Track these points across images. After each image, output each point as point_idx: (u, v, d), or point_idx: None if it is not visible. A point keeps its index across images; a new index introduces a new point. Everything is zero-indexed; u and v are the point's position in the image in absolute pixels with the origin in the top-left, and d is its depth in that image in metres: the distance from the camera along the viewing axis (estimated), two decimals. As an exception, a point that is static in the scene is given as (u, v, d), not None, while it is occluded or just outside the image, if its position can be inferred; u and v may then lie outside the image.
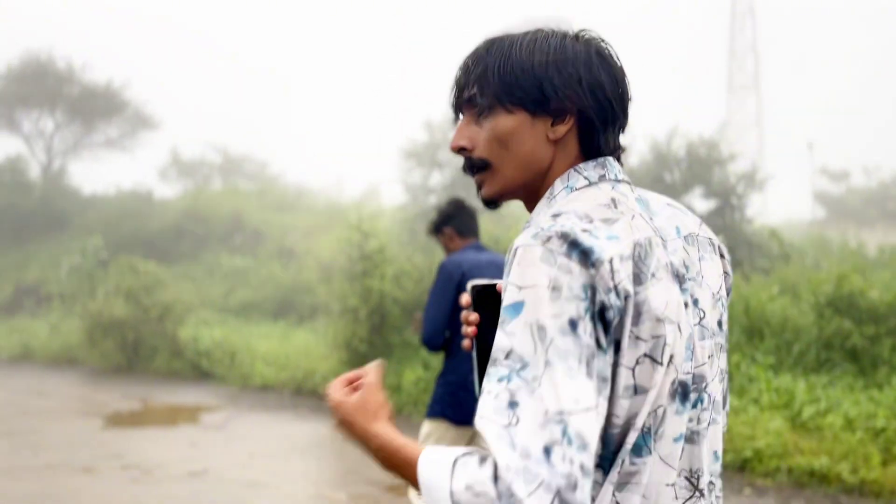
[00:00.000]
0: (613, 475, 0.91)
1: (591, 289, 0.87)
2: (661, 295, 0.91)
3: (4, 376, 12.48)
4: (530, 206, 1.06)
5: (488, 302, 1.06)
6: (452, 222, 3.22)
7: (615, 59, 1.03)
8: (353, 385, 1.05)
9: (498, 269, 3.02)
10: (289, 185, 27.47)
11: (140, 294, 12.72)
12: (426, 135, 19.71)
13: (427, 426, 3.05)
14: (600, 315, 0.87)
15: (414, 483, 0.91)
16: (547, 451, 0.80)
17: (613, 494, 0.91)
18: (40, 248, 23.63)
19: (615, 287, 0.88)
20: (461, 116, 1.07)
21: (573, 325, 0.85)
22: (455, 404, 2.96)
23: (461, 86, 1.04)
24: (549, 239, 0.89)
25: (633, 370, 0.90)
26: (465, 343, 1.09)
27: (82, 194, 26.48)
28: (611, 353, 0.89)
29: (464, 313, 1.09)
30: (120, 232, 20.69)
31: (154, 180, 32.86)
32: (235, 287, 18.38)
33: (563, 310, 0.86)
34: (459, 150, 1.06)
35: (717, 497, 1.00)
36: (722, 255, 1.07)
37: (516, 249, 0.91)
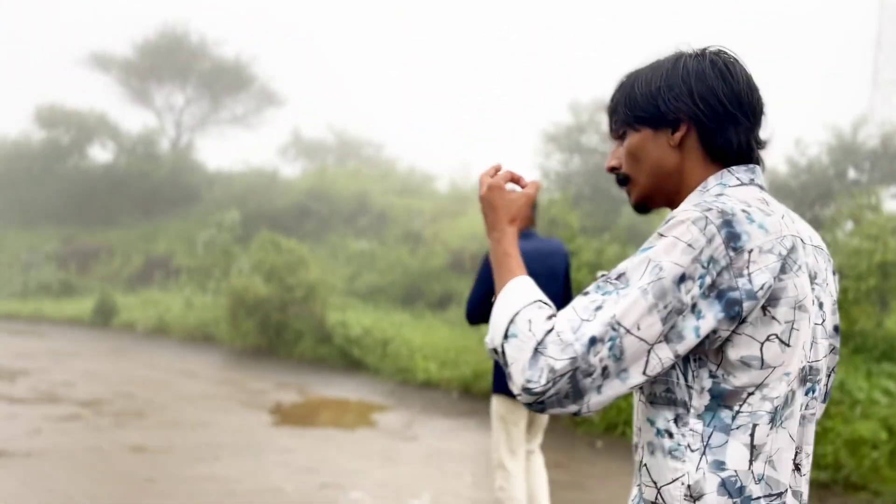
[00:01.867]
0: (744, 437, 1.01)
1: (720, 266, 0.98)
2: (801, 287, 1.02)
3: (144, 351, 12.02)
4: (674, 207, 1.17)
5: None
6: None
7: (734, 67, 1.15)
8: (510, 180, 1.24)
9: (555, 257, 3.27)
10: (410, 168, 26.53)
11: (283, 273, 11.96)
12: (570, 117, 18.34)
13: (494, 401, 3.26)
14: (713, 288, 0.98)
15: (497, 287, 1.12)
16: (592, 340, 0.97)
17: (749, 460, 1.01)
18: (169, 221, 23.72)
19: (749, 275, 0.99)
20: (616, 143, 1.25)
21: (682, 279, 0.98)
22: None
23: (610, 119, 1.25)
24: (709, 209, 1.02)
25: (762, 345, 1.01)
26: None
27: (208, 170, 26.51)
28: (703, 322, 0.98)
29: None
30: (246, 208, 20.28)
31: (275, 159, 32.77)
32: (361, 270, 17.57)
33: (683, 263, 0.98)
34: (611, 169, 1.24)
35: (806, 476, 1.10)
36: (834, 273, 1.18)
37: (678, 213, 1.05)
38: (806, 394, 1.08)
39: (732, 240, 0.99)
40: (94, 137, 24.80)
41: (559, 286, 3.23)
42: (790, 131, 13.86)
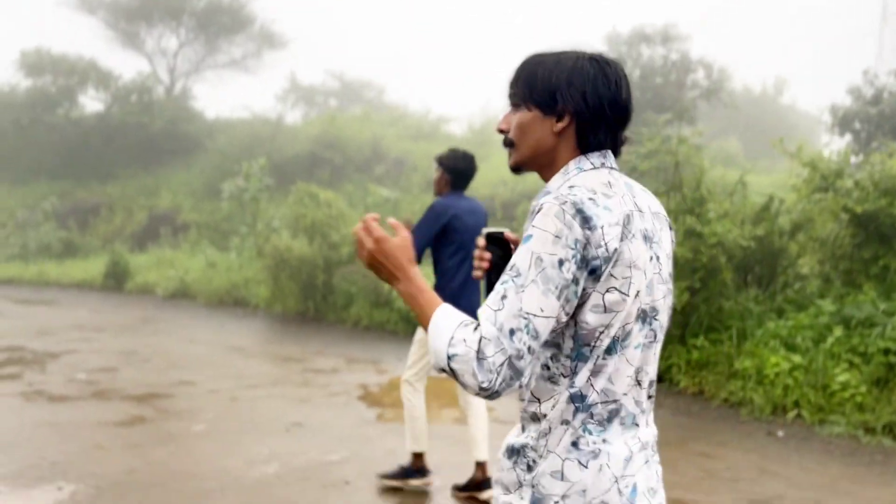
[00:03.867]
0: (590, 364, 1.30)
1: (583, 243, 1.24)
2: (634, 250, 1.29)
3: (173, 320, 10.84)
4: (544, 176, 1.42)
5: (496, 244, 1.45)
6: (454, 173, 3.87)
7: (620, 78, 1.38)
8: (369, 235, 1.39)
9: (476, 215, 3.83)
10: (424, 112, 24.98)
11: (326, 229, 10.73)
12: (610, 49, 16.91)
13: (419, 333, 3.84)
14: (584, 261, 1.25)
15: (421, 321, 1.31)
16: (511, 332, 1.21)
17: (589, 378, 1.30)
18: (170, 173, 22.21)
19: (605, 244, 1.25)
20: (510, 106, 1.45)
21: (561, 263, 1.23)
22: None
23: (510, 85, 1.44)
24: (564, 202, 1.26)
25: (604, 296, 1.27)
26: (477, 273, 1.44)
27: (206, 118, 24.87)
28: (580, 286, 1.26)
29: (478, 252, 1.44)
30: (253, 158, 18.79)
31: (274, 105, 31.09)
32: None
33: (558, 252, 1.23)
34: (501, 130, 1.45)
35: (652, 389, 1.39)
36: (671, 228, 1.45)
37: (542, 205, 1.27)
38: (645, 327, 1.33)
39: (586, 222, 1.25)
40: (84, 85, 23.04)
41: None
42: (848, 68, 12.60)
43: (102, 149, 22.60)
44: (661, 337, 1.38)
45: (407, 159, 19.17)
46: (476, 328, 1.23)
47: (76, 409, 5.48)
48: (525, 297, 1.21)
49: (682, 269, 6.34)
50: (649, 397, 1.38)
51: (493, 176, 16.85)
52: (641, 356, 1.33)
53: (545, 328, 1.22)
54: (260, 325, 10.18)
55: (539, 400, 1.32)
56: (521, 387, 1.33)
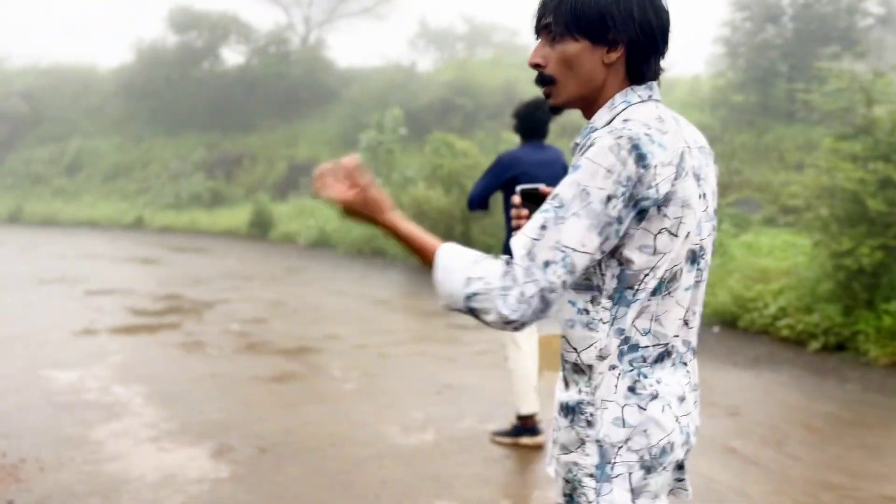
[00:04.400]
0: (636, 306, 1.23)
1: (634, 181, 1.16)
2: (687, 189, 1.21)
3: (316, 270, 11.05)
4: (587, 113, 1.32)
5: (533, 200, 1.41)
6: (523, 123, 3.79)
7: (664, 2, 1.29)
8: (349, 181, 1.31)
9: (551, 166, 3.66)
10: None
11: (462, 179, 10.50)
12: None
13: None
14: (632, 199, 1.17)
15: (424, 259, 1.25)
16: (546, 263, 1.15)
17: (635, 321, 1.24)
18: (307, 123, 22.71)
19: (656, 185, 1.18)
20: (539, 38, 1.33)
21: (608, 199, 1.16)
22: None
23: (541, 13, 1.31)
24: (620, 137, 1.17)
25: (655, 236, 1.20)
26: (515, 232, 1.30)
27: (339, 67, 25.10)
28: (624, 226, 1.18)
29: (514, 210, 1.42)
30: (387, 106, 18.71)
31: (405, 51, 30.97)
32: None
33: (607, 186, 1.16)
34: (535, 66, 1.32)
35: (694, 328, 1.34)
36: (715, 162, 1.37)
37: (596, 139, 1.20)
38: (693, 267, 1.28)
39: (640, 160, 1.16)
40: (226, 39, 23.80)
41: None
42: None
43: (244, 100, 23.40)
44: (706, 276, 1.35)
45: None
46: (494, 260, 1.19)
47: (232, 362, 5.57)
48: (565, 230, 1.16)
49: (874, 225, 5.58)
50: (694, 337, 1.36)
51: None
52: (691, 297, 1.29)
53: (582, 264, 1.18)
54: (399, 277, 10.16)
55: (577, 349, 1.27)
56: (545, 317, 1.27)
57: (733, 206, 9.78)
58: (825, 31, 14.13)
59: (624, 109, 1.25)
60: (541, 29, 1.31)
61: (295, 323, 7.10)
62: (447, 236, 10.38)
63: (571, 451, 1.27)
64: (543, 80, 1.30)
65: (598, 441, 1.24)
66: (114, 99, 25.28)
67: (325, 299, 8.49)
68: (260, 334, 6.52)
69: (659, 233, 1.19)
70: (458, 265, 1.19)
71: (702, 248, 1.28)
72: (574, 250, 1.15)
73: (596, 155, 1.16)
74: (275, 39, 23.69)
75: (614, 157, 1.15)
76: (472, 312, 1.18)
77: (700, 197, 1.25)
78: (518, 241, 1.17)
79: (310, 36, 26.40)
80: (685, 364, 1.31)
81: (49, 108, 26.44)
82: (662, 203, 1.18)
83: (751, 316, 6.34)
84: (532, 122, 3.77)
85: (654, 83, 1.29)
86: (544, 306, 1.16)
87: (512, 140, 16.52)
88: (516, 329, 1.18)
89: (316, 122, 22.39)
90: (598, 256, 1.18)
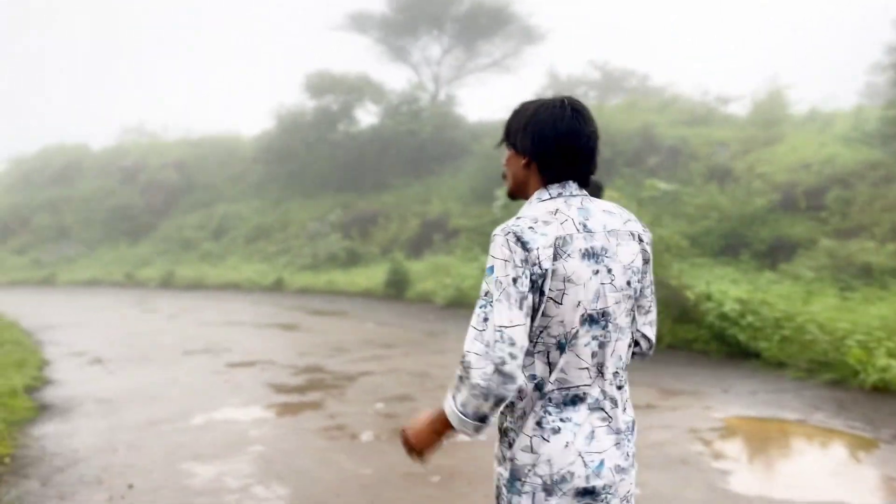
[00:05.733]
0: (543, 358, 1.64)
1: (527, 262, 1.59)
2: (569, 267, 1.62)
3: (458, 336, 10.44)
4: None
5: None
6: None
7: (579, 121, 1.72)
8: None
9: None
10: (702, 93, 22.68)
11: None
12: None
13: None
14: (531, 275, 1.60)
15: (446, 427, 1.72)
16: (493, 344, 1.55)
17: (544, 370, 1.65)
18: (438, 179, 22.59)
19: (539, 263, 1.60)
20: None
21: (515, 280, 1.58)
22: None
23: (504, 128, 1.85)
24: (508, 232, 1.63)
25: (544, 304, 1.61)
26: None
27: (469, 122, 24.98)
28: (535, 295, 1.61)
29: None
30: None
31: (534, 102, 30.52)
32: (661, 217, 14.70)
33: (510, 272, 1.59)
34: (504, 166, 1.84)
35: (620, 381, 1.72)
36: (641, 241, 1.75)
37: (495, 235, 1.64)
38: (603, 328, 1.66)
39: (524, 246, 1.60)
40: (361, 100, 24.30)
41: None
42: None
43: (378, 160, 23.66)
44: (622, 336, 1.71)
45: (683, 147, 17.38)
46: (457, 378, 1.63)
47: (381, 455, 4.97)
48: (495, 314, 1.57)
49: None
50: (619, 387, 1.72)
51: (791, 159, 14.56)
52: (600, 353, 1.67)
53: (520, 334, 1.57)
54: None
55: None
56: (518, 388, 1.64)
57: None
58: None
59: (532, 205, 1.72)
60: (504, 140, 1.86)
61: (442, 401, 6.47)
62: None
63: (500, 465, 1.71)
64: (503, 175, 1.85)
65: (512, 460, 1.67)
66: (254, 164, 26.35)
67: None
68: (408, 415, 5.92)
69: (546, 301, 1.62)
70: (445, 405, 1.69)
71: (605, 314, 1.67)
72: (506, 327, 1.57)
73: (494, 250, 1.64)
74: (406, 98, 23.93)
75: (507, 249, 1.62)
76: (476, 417, 1.62)
77: (598, 272, 1.66)
78: (470, 336, 1.61)
79: (440, 93, 26.56)
80: (602, 409, 1.69)
81: (198, 176, 27.97)
82: (547, 277, 1.61)
83: None
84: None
85: (570, 182, 1.73)
86: (504, 378, 1.56)
87: (655, 186, 15.51)
88: (497, 404, 1.59)
89: (447, 177, 22.24)
90: (528, 324, 1.60)
